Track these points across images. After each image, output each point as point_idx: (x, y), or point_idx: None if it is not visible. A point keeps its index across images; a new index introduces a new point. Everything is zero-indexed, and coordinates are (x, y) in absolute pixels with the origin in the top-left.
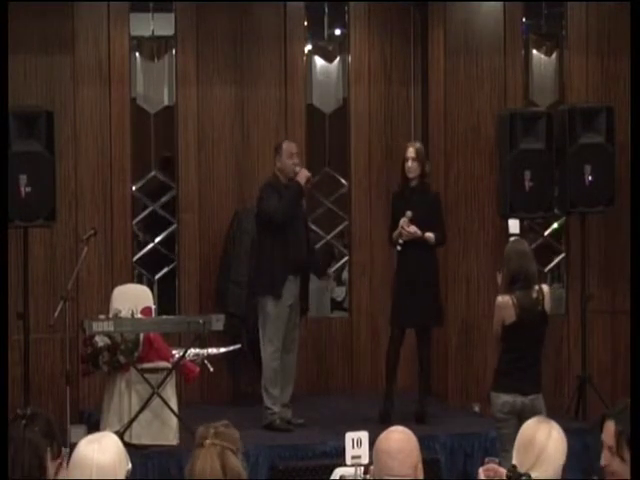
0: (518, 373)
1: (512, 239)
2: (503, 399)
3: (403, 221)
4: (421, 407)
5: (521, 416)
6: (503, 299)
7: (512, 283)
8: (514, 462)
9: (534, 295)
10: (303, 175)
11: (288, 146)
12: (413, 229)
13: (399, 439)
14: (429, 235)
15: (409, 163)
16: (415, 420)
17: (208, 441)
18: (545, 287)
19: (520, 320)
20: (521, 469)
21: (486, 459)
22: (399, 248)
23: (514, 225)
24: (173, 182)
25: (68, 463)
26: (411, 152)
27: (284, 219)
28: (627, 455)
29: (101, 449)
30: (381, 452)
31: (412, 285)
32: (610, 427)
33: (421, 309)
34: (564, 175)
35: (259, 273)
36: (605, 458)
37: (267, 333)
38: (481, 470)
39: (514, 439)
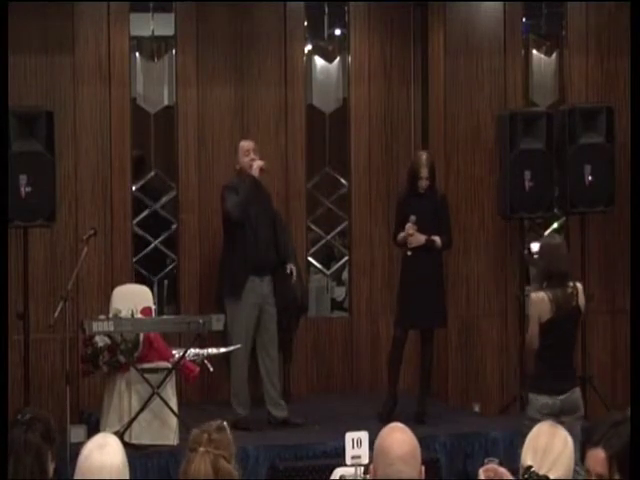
0: (556, 372)
1: (546, 234)
2: (542, 401)
3: (409, 226)
4: (421, 407)
5: (559, 415)
6: (538, 295)
7: (547, 279)
8: (530, 463)
9: (569, 291)
10: (256, 167)
11: (243, 145)
12: (416, 238)
13: (405, 441)
14: (435, 239)
15: (423, 182)
16: (415, 420)
17: (202, 449)
18: (578, 284)
19: (556, 316)
20: (540, 469)
21: (486, 459)
22: (409, 253)
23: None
24: (173, 182)
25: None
26: (424, 172)
27: (241, 213)
28: (617, 477)
29: (113, 452)
30: (387, 455)
31: (418, 287)
32: (598, 454)
33: (427, 311)
34: (564, 175)
35: (221, 275)
36: None
37: (232, 336)
38: (481, 471)
39: None
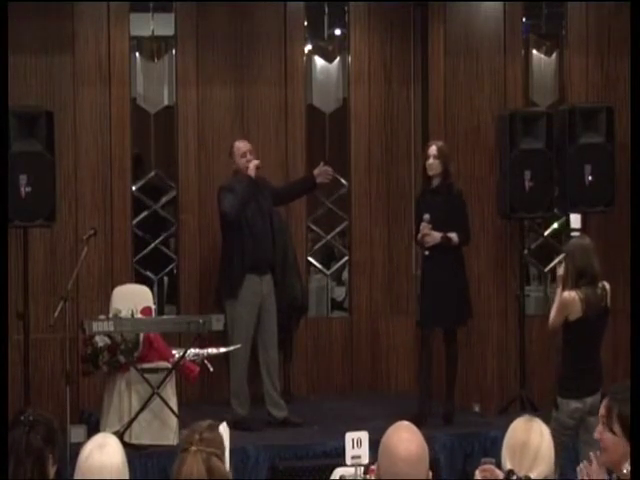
0: (585, 375)
1: (575, 235)
2: (573, 406)
3: (423, 226)
4: (447, 408)
5: (586, 416)
6: (570, 295)
7: (578, 279)
8: (509, 467)
9: (599, 291)
10: (252, 167)
11: (239, 146)
12: (432, 237)
13: (411, 441)
14: (452, 236)
15: (430, 160)
16: (443, 421)
17: (193, 448)
18: (606, 284)
19: (585, 316)
20: (519, 472)
21: (482, 459)
22: (427, 253)
23: (575, 219)
24: (173, 182)
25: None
26: (433, 150)
27: (237, 215)
28: (617, 428)
29: (113, 452)
30: (392, 457)
31: (437, 287)
32: (604, 402)
33: (447, 311)
34: (564, 175)
35: (221, 275)
36: (598, 431)
37: (232, 335)
38: (478, 471)
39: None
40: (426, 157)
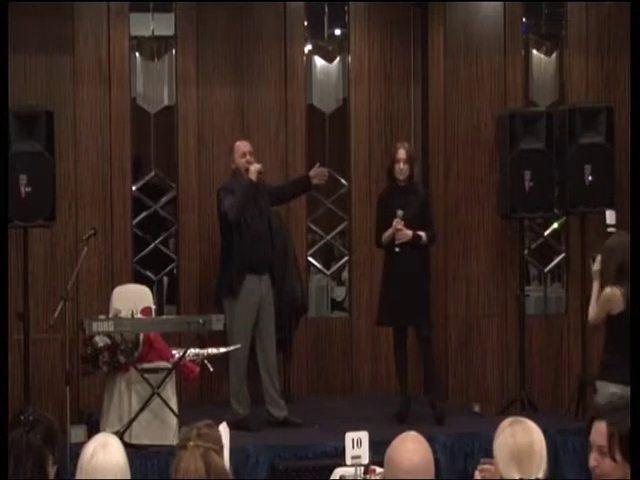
0: (627, 363)
1: (614, 231)
2: (611, 390)
3: (396, 221)
4: (438, 409)
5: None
6: (612, 290)
7: (618, 274)
8: (517, 477)
9: None
10: (253, 170)
11: (239, 145)
12: (404, 233)
13: (415, 451)
14: (422, 234)
15: (401, 165)
16: (435, 422)
17: (191, 443)
18: None
19: (628, 310)
20: (530, 477)
21: (482, 460)
22: (397, 250)
23: (611, 215)
24: (173, 182)
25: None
26: (402, 154)
27: (237, 216)
28: (618, 456)
29: (116, 451)
30: (396, 468)
31: (404, 284)
32: (601, 427)
33: (411, 309)
34: (564, 175)
35: (220, 275)
36: (594, 459)
37: (231, 335)
38: (477, 471)
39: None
40: (395, 160)
